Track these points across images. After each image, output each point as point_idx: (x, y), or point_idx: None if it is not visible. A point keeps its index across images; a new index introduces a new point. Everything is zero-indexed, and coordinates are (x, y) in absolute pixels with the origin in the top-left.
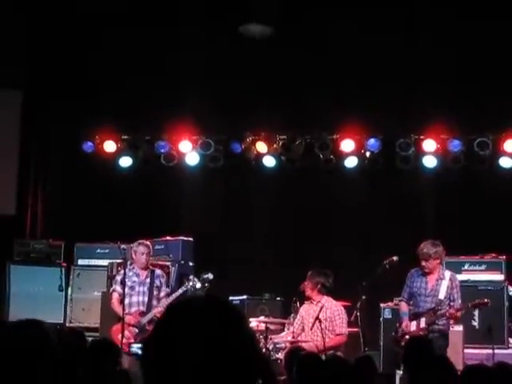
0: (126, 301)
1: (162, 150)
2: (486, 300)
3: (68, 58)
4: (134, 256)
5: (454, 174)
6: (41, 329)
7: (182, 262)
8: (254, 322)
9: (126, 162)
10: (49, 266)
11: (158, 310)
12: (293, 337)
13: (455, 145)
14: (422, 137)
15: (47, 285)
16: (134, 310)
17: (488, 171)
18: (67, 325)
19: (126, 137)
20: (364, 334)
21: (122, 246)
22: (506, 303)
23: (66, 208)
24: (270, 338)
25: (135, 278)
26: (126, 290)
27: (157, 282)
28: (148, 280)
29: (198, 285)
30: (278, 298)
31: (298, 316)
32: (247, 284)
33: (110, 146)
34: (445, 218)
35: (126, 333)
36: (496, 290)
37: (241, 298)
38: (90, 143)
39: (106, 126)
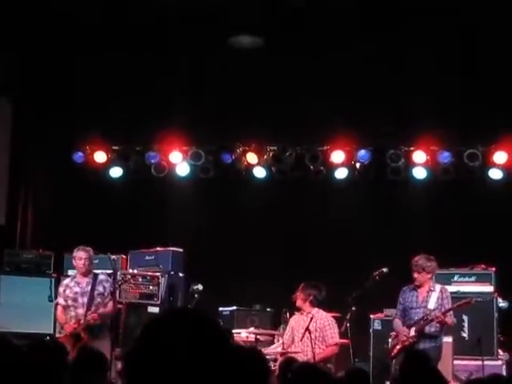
0: (72, 313)
1: (153, 161)
2: (468, 299)
3: (58, 68)
4: (74, 262)
5: (443, 185)
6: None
7: (172, 272)
8: (243, 333)
9: (116, 172)
10: (38, 276)
11: (90, 316)
12: (282, 348)
13: (445, 156)
14: (412, 148)
15: (37, 295)
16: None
17: (478, 183)
18: (57, 335)
19: (116, 147)
20: (354, 346)
21: (112, 257)
22: (496, 315)
23: (56, 218)
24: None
25: (77, 289)
26: (70, 302)
27: (99, 289)
28: (89, 288)
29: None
30: (268, 309)
31: (288, 327)
32: (237, 295)
33: (100, 157)
34: (435, 229)
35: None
36: (485, 302)
37: (230, 308)
38: (80, 153)
39: (96, 137)
